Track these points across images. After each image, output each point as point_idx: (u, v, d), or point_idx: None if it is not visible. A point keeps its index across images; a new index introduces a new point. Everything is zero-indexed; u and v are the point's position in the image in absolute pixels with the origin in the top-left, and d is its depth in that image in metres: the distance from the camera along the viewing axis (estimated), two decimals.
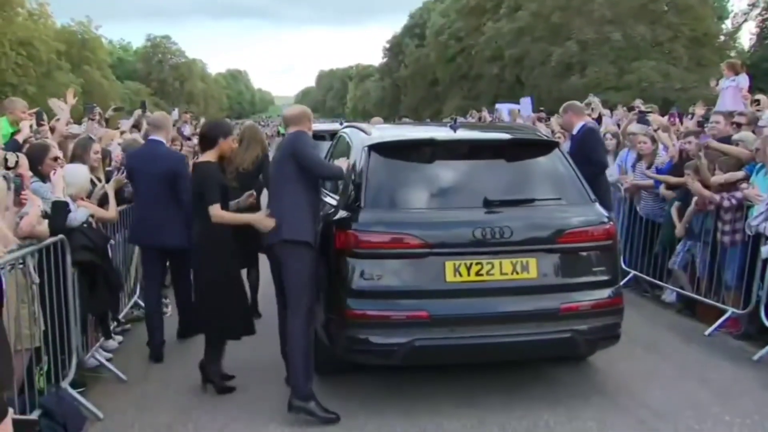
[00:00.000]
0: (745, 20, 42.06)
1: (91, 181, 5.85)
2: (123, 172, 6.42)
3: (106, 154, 7.07)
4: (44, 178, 5.05)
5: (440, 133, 5.22)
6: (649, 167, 7.68)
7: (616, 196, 8.30)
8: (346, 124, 7.46)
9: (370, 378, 5.07)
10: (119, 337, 6.23)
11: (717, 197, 6.19)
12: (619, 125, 10.02)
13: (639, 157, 7.89)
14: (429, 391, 4.90)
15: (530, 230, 4.55)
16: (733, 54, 36.17)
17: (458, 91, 53.83)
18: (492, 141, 5.35)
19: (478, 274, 4.42)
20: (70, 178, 5.13)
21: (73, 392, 4.69)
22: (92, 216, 5.37)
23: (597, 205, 4.90)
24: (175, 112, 17.72)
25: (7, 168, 3.87)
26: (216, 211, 4.80)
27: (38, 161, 5.02)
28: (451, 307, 4.42)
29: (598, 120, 10.66)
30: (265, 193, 6.01)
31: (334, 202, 4.96)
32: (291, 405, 4.49)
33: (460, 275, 4.41)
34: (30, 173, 4.73)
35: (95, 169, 6.18)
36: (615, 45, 38.89)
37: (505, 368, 5.20)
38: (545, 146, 5.13)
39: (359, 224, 4.47)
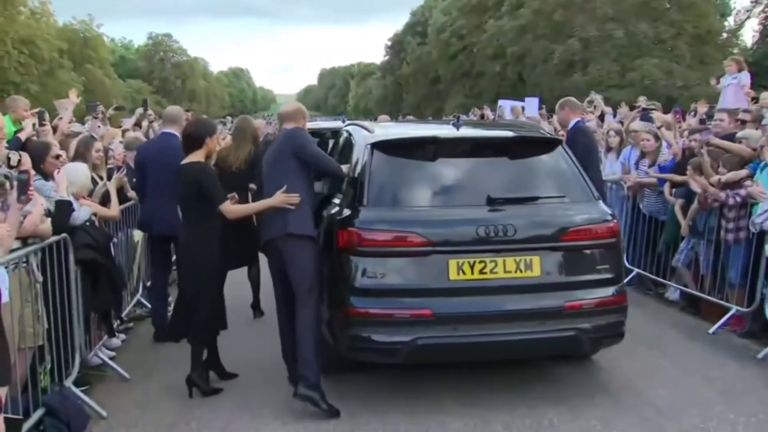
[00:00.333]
0: (748, 17, 41.92)
1: (93, 179, 5.85)
2: (124, 171, 6.44)
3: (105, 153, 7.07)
4: (46, 176, 5.05)
5: (443, 130, 5.21)
6: (652, 165, 7.67)
7: (619, 194, 8.30)
8: (348, 122, 7.45)
9: (373, 376, 5.07)
10: (122, 336, 6.23)
11: (722, 195, 6.17)
12: (621, 123, 9.99)
13: (642, 155, 7.87)
14: (432, 389, 4.90)
15: (534, 228, 4.54)
16: (735, 51, 36.01)
17: (460, 89, 53.70)
18: (495, 139, 5.34)
19: (481, 272, 4.41)
20: (70, 176, 5.13)
21: (77, 390, 4.69)
22: (95, 214, 5.38)
23: (600, 202, 4.89)
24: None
25: (10, 167, 3.86)
26: (230, 207, 4.80)
27: (40, 159, 5.02)
28: (455, 305, 4.41)
29: (601, 118, 10.65)
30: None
31: (337, 201, 4.95)
32: (297, 392, 4.50)
33: (464, 273, 4.40)
34: (33, 171, 4.72)
35: (97, 167, 6.19)
36: (617, 42, 38.78)
37: (508, 367, 5.19)
38: (548, 144, 5.11)
39: (362, 222, 4.46)
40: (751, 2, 40.55)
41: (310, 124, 6.63)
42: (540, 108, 15.19)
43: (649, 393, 4.82)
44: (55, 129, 7.10)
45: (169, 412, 4.69)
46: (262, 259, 6.27)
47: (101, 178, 6.13)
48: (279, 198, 4.68)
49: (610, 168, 8.67)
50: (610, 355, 5.26)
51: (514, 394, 4.80)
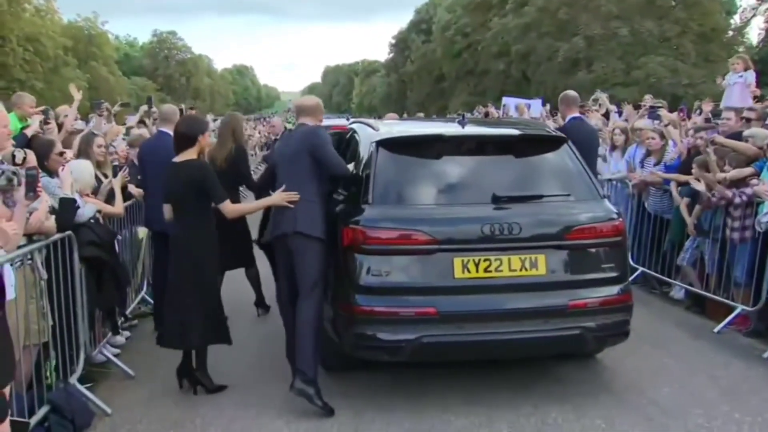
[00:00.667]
0: (754, 15, 41.84)
1: (97, 177, 5.85)
2: (126, 170, 6.47)
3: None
4: (50, 173, 5.05)
5: (449, 128, 5.20)
6: (657, 164, 7.64)
7: (624, 193, 8.27)
8: (353, 119, 7.43)
9: (378, 374, 5.06)
10: (127, 333, 6.24)
11: (729, 193, 6.15)
12: (627, 121, 9.96)
13: (647, 153, 7.85)
14: (437, 387, 4.89)
15: (539, 226, 4.53)
16: (741, 49, 35.89)
17: (464, 87, 53.68)
18: (500, 137, 5.32)
19: (486, 270, 4.40)
20: (75, 173, 5.14)
21: (82, 388, 4.70)
22: (99, 211, 5.38)
23: (606, 201, 4.88)
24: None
25: (15, 164, 3.86)
26: (229, 206, 4.78)
27: (44, 156, 5.02)
28: (460, 303, 4.40)
29: (606, 116, 10.62)
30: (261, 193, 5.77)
31: (342, 198, 4.94)
32: (293, 386, 4.50)
33: (469, 272, 4.39)
34: (39, 169, 4.73)
35: (101, 164, 6.19)
36: (622, 40, 38.73)
37: (513, 365, 5.19)
38: (554, 142, 5.10)
39: (367, 220, 4.46)
40: (757, 0, 40.43)
41: None
42: (543, 105, 15.20)
43: (654, 392, 4.81)
44: (60, 127, 7.11)
45: (173, 409, 4.69)
46: (260, 260, 6.28)
47: (105, 176, 6.14)
48: (279, 196, 4.71)
49: (615, 166, 8.66)
50: (614, 354, 5.26)
51: (519, 393, 4.79)
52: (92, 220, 5.10)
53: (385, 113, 17.46)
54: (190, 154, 4.81)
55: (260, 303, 6.86)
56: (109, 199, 5.84)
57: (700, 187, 6.51)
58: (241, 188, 7.18)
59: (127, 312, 6.14)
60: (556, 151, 4.97)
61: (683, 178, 7.00)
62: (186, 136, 4.83)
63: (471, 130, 5.18)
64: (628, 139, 8.64)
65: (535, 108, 14.97)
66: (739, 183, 6.22)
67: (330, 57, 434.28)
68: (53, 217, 4.48)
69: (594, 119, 9.58)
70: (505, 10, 46.69)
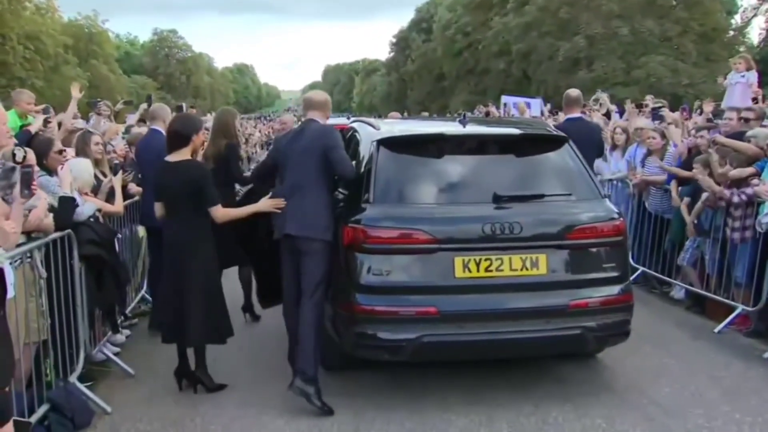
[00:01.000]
0: (755, 15, 41.84)
1: (96, 176, 5.84)
2: (130, 172, 6.48)
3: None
4: (50, 171, 5.05)
5: (450, 128, 5.19)
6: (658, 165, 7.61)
7: (625, 192, 8.26)
8: (353, 118, 7.42)
9: (378, 374, 5.06)
10: (126, 331, 6.23)
11: (727, 193, 6.14)
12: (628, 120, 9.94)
13: (648, 153, 7.84)
14: (437, 387, 4.88)
15: (540, 226, 4.53)
16: (742, 49, 35.88)
17: (465, 86, 53.67)
18: (501, 136, 5.31)
19: (487, 270, 4.40)
20: (74, 172, 5.13)
21: (81, 386, 4.69)
22: (99, 210, 5.37)
23: (607, 201, 4.87)
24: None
25: (15, 163, 3.86)
26: (221, 211, 4.75)
27: (43, 155, 5.02)
28: (460, 303, 4.39)
29: (607, 116, 10.60)
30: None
31: (342, 197, 4.93)
32: (292, 384, 4.49)
33: (470, 271, 4.39)
34: (37, 168, 4.72)
35: (99, 162, 6.17)
36: (623, 40, 38.71)
37: (513, 365, 5.19)
38: (555, 141, 5.08)
39: (368, 219, 4.45)
40: (758, 0, 40.41)
41: None
42: (545, 104, 15.22)
43: (654, 392, 4.80)
44: (60, 125, 7.10)
45: (173, 408, 4.68)
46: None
47: (104, 175, 6.13)
48: (267, 203, 4.78)
49: (615, 166, 8.65)
50: (615, 353, 5.25)
51: (519, 393, 4.78)
52: (92, 219, 5.09)
53: (386, 112, 17.48)
54: (184, 154, 4.78)
55: (248, 308, 6.62)
56: (109, 197, 5.83)
57: (706, 181, 6.42)
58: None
59: (127, 311, 6.14)
60: (557, 151, 4.96)
61: (685, 173, 6.96)
62: (180, 135, 4.79)
63: (472, 129, 5.17)
64: (629, 138, 8.63)
65: (536, 107, 14.99)
66: (740, 182, 6.21)
67: (330, 56, 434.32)
68: (51, 215, 4.47)
69: (595, 119, 9.56)
70: (506, 9, 46.67)
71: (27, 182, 3.67)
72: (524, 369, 5.16)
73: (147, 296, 7.08)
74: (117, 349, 5.74)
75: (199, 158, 5.48)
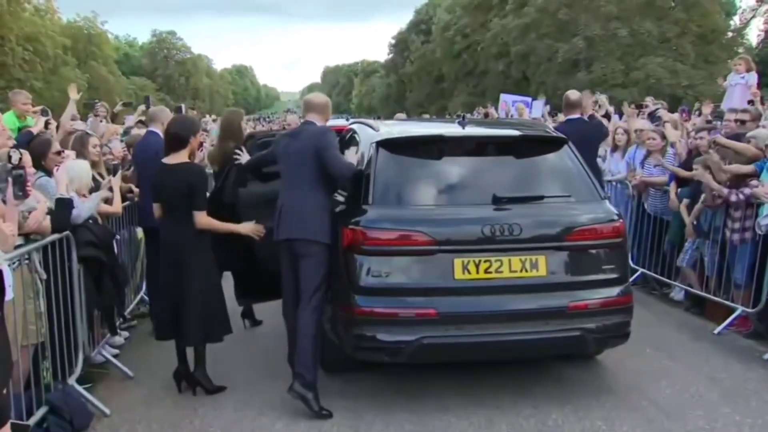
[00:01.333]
0: (754, 16, 41.89)
1: (93, 177, 5.82)
2: (130, 168, 6.47)
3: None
4: (48, 172, 5.04)
5: (449, 129, 5.18)
6: (658, 164, 7.61)
7: (624, 194, 8.26)
8: (352, 120, 7.41)
9: (378, 376, 5.05)
10: (125, 333, 6.22)
11: (725, 191, 6.13)
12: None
13: (648, 154, 7.83)
14: (437, 389, 4.88)
15: (539, 227, 4.52)
16: (741, 50, 35.90)
17: (464, 87, 53.69)
18: (501, 137, 5.31)
19: (486, 271, 4.39)
20: (71, 173, 5.11)
21: (80, 388, 4.68)
22: (104, 200, 5.36)
23: (606, 202, 4.87)
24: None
25: (10, 164, 3.84)
26: (204, 218, 4.72)
27: (41, 156, 5.01)
28: (460, 304, 4.38)
29: (607, 117, 10.59)
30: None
31: (341, 199, 4.92)
32: (291, 388, 4.48)
33: (469, 273, 4.38)
34: (33, 169, 4.71)
35: (96, 164, 6.17)
36: (622, 41, 38.70)
37: (513, 366, 5.18)
38: (554, 143, 5.08)
39: (367, 221, 4.44)
40: (757, 1, 40.48)
41: None
42: (546, 105, 15.23)
43: (654, 394, 4.80)
44: (59, 126, 7.10)
45: (172, 409, 4.67)
46: None
47: (102, 176, 6.11)
48: (248, 227, 4.91)
49: (615, 167, 8.64)
50: (615, 355, 5.24)
51: (519, 395, 4.77)
52: (90, 221, 5.08)
53: (385, 114, 17.46)
54: (182, 156, 4.78)
55: (247, 314, 6.52)
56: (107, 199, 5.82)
57: (706, 178, 6.39)
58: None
59: (126, 312, 6.12)
60: (556, 152, 4.96)
61: (685, 173, 6.95)
62: (178, 137, 4.79)
63: (471, 130, 5.16)
64: (630, 140, 8.62)
65: (537, 109, 14.99)
66: (738, 182, 6.20)
67: (329, 57, 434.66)
68: (49, 217, 4.45)
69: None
70: (504, 10, 46.67)
71: (20, 184, 3.66)
72: (524, 371, 5.15)
73: (146, 298, 7.06)
74: (116, 351, 5.74)
75: (197, 160, 5.48)
